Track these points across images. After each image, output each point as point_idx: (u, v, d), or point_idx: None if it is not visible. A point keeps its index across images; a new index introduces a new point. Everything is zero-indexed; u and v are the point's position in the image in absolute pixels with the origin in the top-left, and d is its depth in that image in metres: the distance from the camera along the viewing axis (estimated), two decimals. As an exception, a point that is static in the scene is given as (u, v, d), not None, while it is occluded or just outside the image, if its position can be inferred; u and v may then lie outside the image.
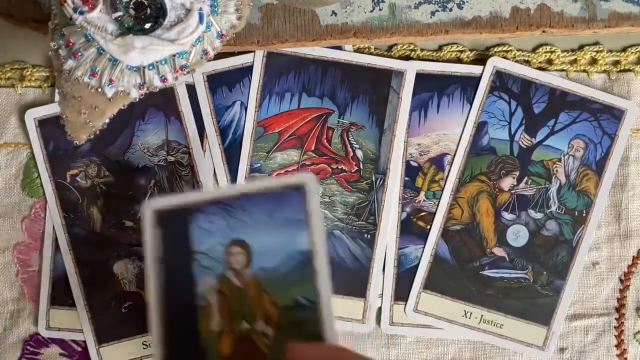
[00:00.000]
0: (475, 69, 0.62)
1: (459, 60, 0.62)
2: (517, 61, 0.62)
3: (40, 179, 0.62)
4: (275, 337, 0.50)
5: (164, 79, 0.51)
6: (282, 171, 0.63)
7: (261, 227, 0.50)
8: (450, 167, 0.62)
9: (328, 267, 0.49)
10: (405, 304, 0.62)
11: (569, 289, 0.62)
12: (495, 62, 0.62)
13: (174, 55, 0.51)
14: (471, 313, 0.62)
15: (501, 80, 0.62)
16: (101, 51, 0.49)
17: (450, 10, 0.59)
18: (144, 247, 0.50)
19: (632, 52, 0.62)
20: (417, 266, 0.62)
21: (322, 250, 0.49)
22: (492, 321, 0.62)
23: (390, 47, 0.62)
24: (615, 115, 0.61)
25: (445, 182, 0.62)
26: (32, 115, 0.62)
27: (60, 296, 0.62)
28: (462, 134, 0.62)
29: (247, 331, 0.50)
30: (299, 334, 0.49)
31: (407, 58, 0.62)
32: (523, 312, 0.62)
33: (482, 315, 0.62)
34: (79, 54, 0.50)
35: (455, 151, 0.62)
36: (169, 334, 0.49)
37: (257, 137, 0.63)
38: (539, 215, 0.62)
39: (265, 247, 0.51)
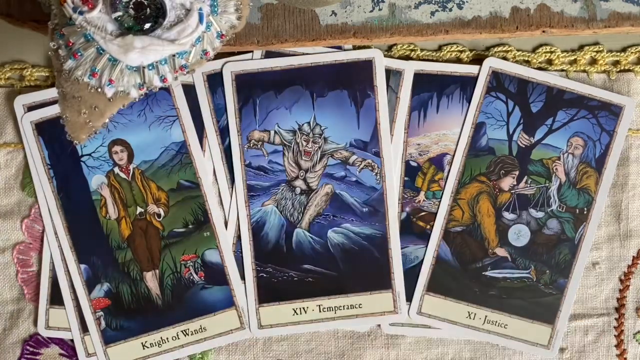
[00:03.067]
0: (474, 69, 0.62)
1: (458, 60, 0.62)
2: (517, 61, 0.62)
3: (40, 180, 0.62)
4: (167, 214, 0.61)
5: (163, 79, 0.51)
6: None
7: (136, 126, 0.60)
8: (450, 167, 0.62)
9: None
10: (409, 307, 0.62)
11: (573, 286, 0.62)
12: (491, 63, 0.61)
13: (174, 55, 0.51)
14: (475, 314, 0.62)
15: (498, 81, 0.62)
16: (101, 51, 0.49)
17: (450, 10, 0.59)
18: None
19: (632, 52, 0.62)
20: (416, 266, 0.62)
21: (194, 138, 0.61)
22: (496, 321, 0.62)
23: (390, 47, 0.62)
24: (614, 111, 0.62)
25: (445, 183, 0.62)
26: (30, 118, 0.61)
27: (60, 296, 0.62)
28: (460, 135, 0.62)
29: (141, 214, 0.61)
30: (186, 209, 0.61)
31: (407, 58, 0.62)
32: (527, 312, 0.62)
33: (486, 316, 0.62)
34: (79, 53, 0.49)
35: (454, 153, 0.62)
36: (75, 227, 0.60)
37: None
38: (540, 214, 0.62)
39: (144, 143, 0.61)
